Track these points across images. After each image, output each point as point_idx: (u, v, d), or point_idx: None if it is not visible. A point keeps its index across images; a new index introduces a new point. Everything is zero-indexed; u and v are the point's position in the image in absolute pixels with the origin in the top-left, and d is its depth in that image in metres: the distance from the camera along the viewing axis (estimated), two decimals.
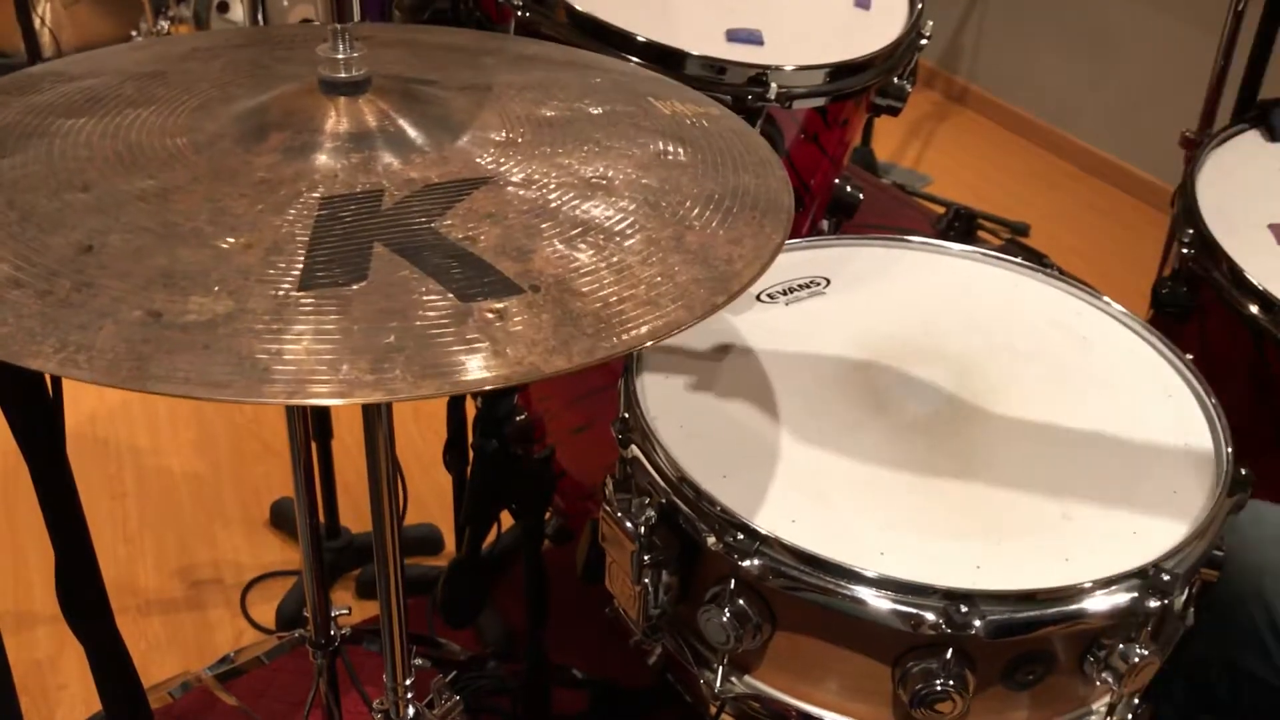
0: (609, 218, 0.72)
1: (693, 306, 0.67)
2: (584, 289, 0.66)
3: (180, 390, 0.56)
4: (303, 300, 0.61)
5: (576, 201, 0.73)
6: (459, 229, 0.68)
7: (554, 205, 0.72)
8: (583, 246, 0.69)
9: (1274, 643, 1.00)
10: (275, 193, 0.69)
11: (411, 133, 0.76)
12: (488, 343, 0.61)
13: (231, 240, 0.65)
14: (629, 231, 0.71)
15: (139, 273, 0.62)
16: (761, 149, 0.86)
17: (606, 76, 0.94)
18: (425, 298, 0.63)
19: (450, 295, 0.63)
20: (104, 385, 0.57)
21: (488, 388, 0.60)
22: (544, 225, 0.70)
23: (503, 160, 0.76)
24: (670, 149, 0.82)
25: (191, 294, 0.61)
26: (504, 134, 0.79)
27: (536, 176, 0.75)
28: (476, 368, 0.60)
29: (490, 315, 0.62)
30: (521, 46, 0.99)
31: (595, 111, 0.86)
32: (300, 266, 0.63)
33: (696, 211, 0.75)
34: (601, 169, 0.77)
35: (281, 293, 0.62)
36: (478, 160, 0.76)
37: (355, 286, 0.63)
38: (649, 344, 0.65)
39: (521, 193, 0.73)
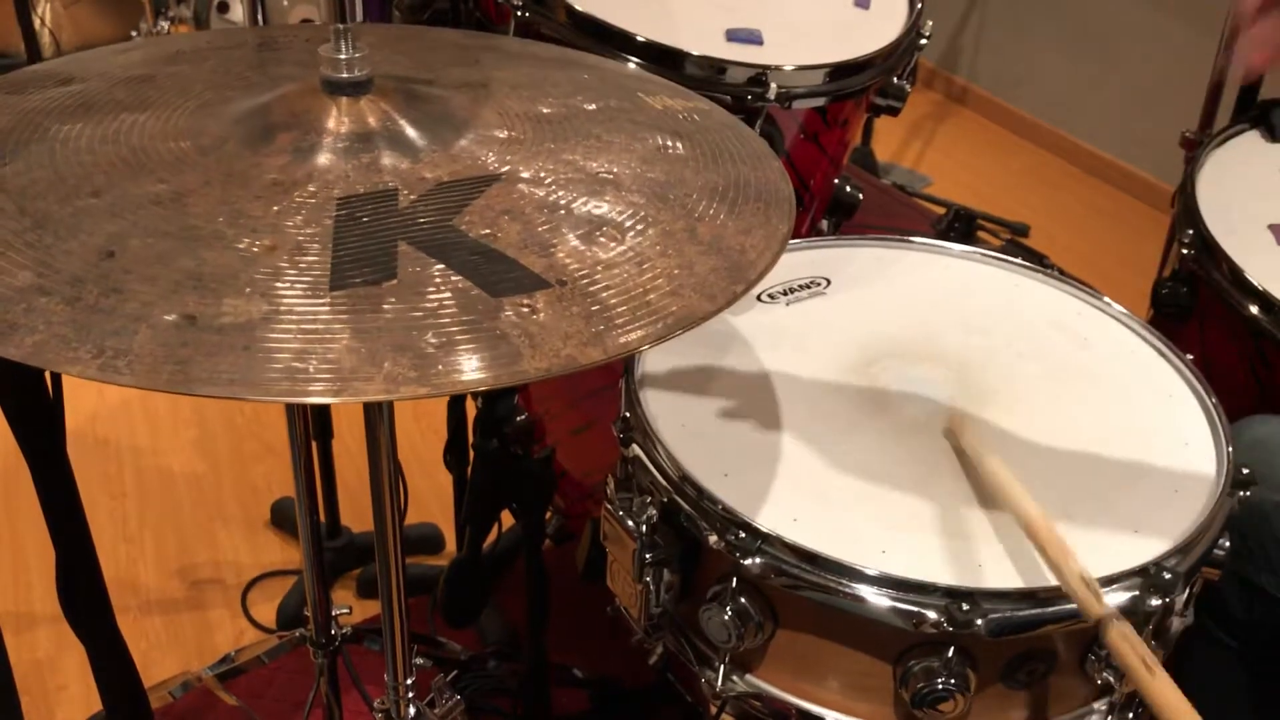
0: (622, 212, 0.73)
1: (714, 296, 0.68)
2: (609, 282, 0.66)
3: (226, 392, 0.56)
4: (336, 299, 0.62)
5: (588, 197, 0.74)
6: (479, 226, 0.69)
7: (567, 201, 0.73)
8: (602, 240, 0.70)
9: None
10: (289, 194, 0.69)
11: (418, 132, 0.76)
12: (524, 336, 0.61)
13: (254, 242, 0.65)
14: (643, 225, 0.72)
15: (166, 277, 0.62)
16: (755, 141, 0.87)
17: (593, 73, 0.94)
18: (456, 294, 0.63)
19: (481, 291, 0.63)
20: (148, 389, 0.56)
21: (529, 379, 0.60)
22: (561, 221, 0.71)
23: (509, 158, 0.77)
24: (669, 143, 0.83)
25: (224, 296, 0.61)
26: (506, 132, 0.80)
27: (544, 174, 0.76)
28: (515, 361, 0.60)
29: (523, 309, 0.63)
30: (508, 45, 1.00)
31: (590, 108, 0.86)
32: (328, 266, 0.64)
33: (704, 204, 0.76)
34: (606, 164, 0.78)
35: (314, 293, 0.62)
36: (485, 158, 0.76)
37: (386, 284, 0.63)
38: (677, 333, 0.65)
39: (533, 189, 0.74)
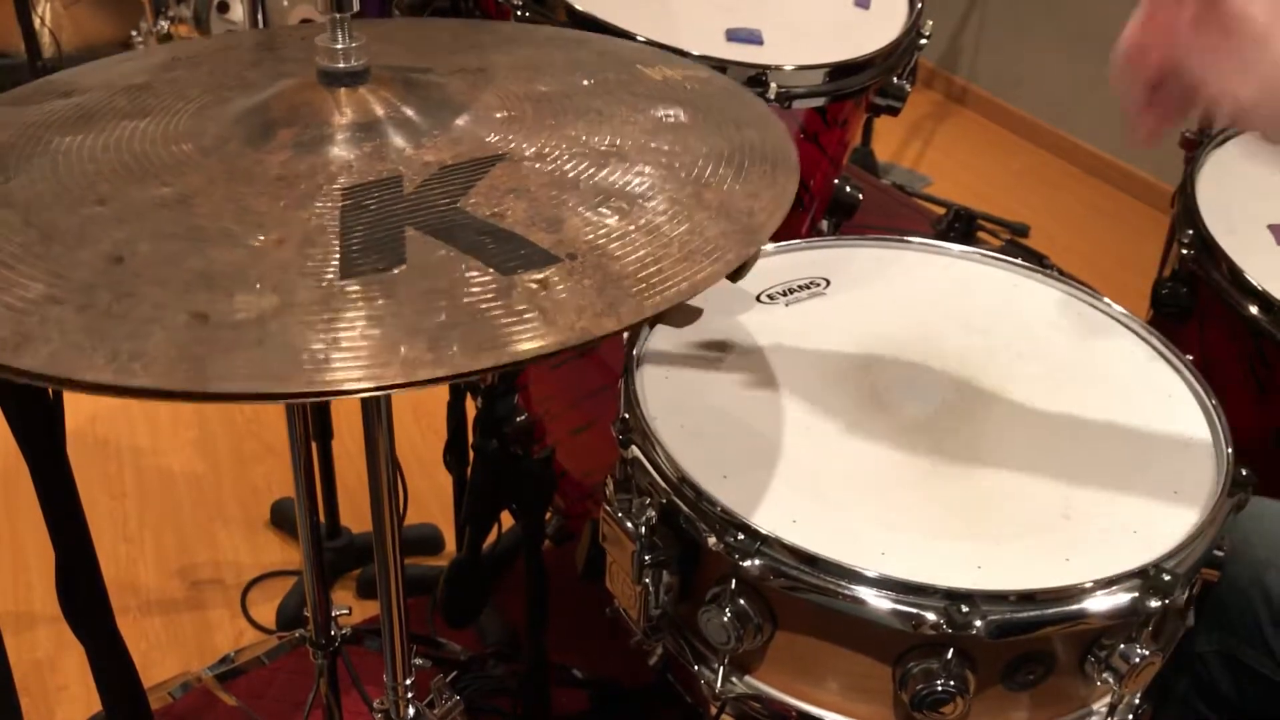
0: (628, 182, 0.73)
1: (727, 260, 0.68)
2: (619, 252, 0.67)
3: (243, 388, 0.56)
4: (348, 288, 0.62)
5: (593, 170, 0.74)
6: (485, 206, 0.69)
7: (572, 175, 0.73)
8: (608, 212, 0.70)
9: (1276, 638, 1.00)
10: (295, 188, 0.70)
11: (417, 117, 0.76)
12: (537, 312, 0.61)
13: (262, 237, 0.65)
14: (650, 194, 0.72)
15: (176, 278, 0.62)
16: (756, 104, 0.87)
17: (590, 50, 0.94)
18: (467, 275, 0.63)
19: (491, 270, 0.64)
20: (165, 391, 0.56)
21: (547, 354, 0.60)
22: (567, 196, 0.71)
23: (511, 137, 0.77)
24: (670, 112, 0.83)
25: (235, 293, 0.61)
26: (506, 112, 0.80)
27: (548, 150, 0.76)
28: (531, 337, 0.60)
29: (534, 286, 0.63)
30: (502, 29, 1.00)
31: (587, 83, 0.86)
32: (337, 256, 0.64)
33: (710, 169, 0.76)
34: (610, 137, 0.78)
35: (325, 283, 0.62)
36: (487, 139, 0.76)
37: (396, 270, 0.63)
38: (691, 298, 0.65)
39: (538, 166, 0.74)
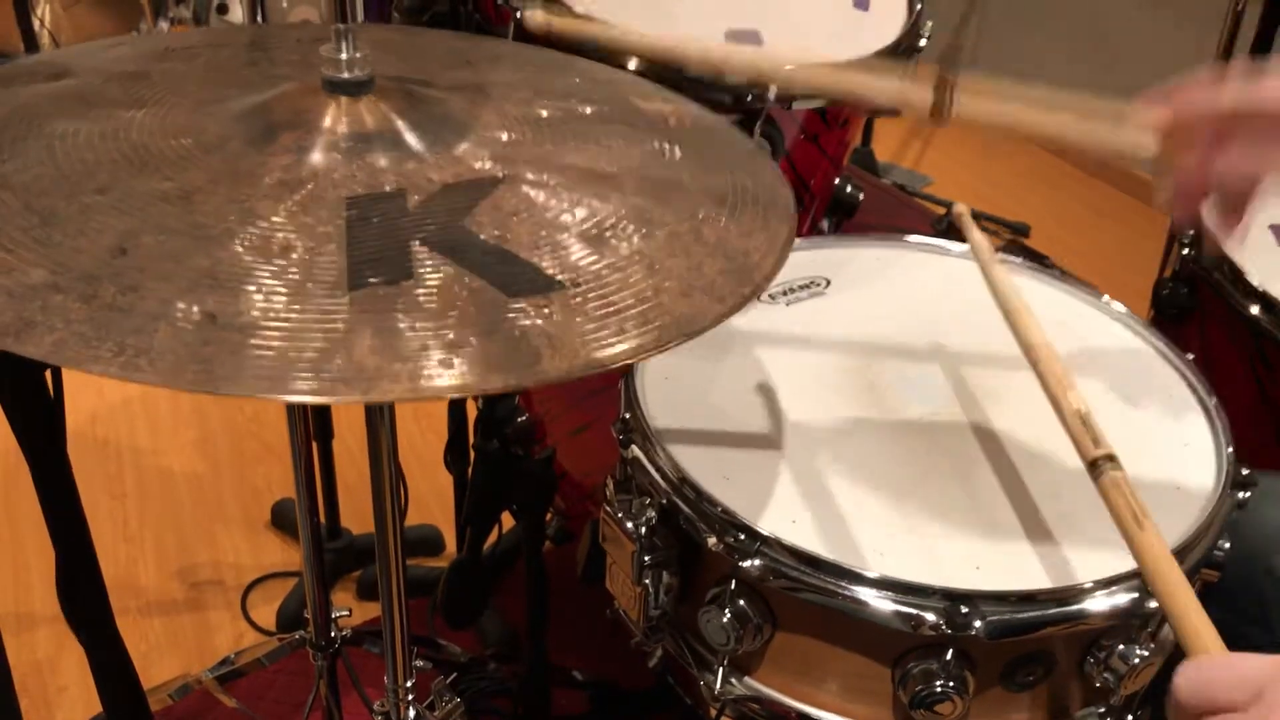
0: (627, 214, 0.73)
1: (724, 298, 0.68)
2: (621, 284, 0.66)
3: (251, 391, 0.56)
4: (356, 299, 0.62)
5: (594, 199, 0.74)
6: (489, 227, 0.69)
7: (573, 203, 0.73)
8: (611, 242, 0.70)
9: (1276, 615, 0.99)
10: (296, 194, 0.69)
11: (421, 133, 0.76)
12: (543, 337, 0.61)
13: (267, 241, 0.65)
14: (649, 227, 0.72)
15: (181, 274, 0.62)
16: (746, 145, 0.87)
17: (583, 76, 0.95)
18: (473, 294, 0.63)
19: (496, 291, 0.64)
20: (172, 389, 0.56)
21: (551, 380, 0.60)
22: (569, 222, 0.71)
23: (512, 160, 0.77)
24: (665, 146, 0.83)
25: (242, 295, 0.61)
26: (507, 134, 0.80)
27: (549, 176, 0.76)
28: (536, 361, 0.60)
29: (542, 310, 0.63)
30: (497, 48, 1.00)
31: (586, 111, 0.86)
32: (344, 266, 0.64)
33: (706, 207, 0.76)
34: (608, 167, 0.78)
35: (334, 293, 0.62)
36: (488, 160, 0.76)
37: (404, 284, 0.63)
38: (690, 336, 0.65)
39: (539, 192, 0.74)
